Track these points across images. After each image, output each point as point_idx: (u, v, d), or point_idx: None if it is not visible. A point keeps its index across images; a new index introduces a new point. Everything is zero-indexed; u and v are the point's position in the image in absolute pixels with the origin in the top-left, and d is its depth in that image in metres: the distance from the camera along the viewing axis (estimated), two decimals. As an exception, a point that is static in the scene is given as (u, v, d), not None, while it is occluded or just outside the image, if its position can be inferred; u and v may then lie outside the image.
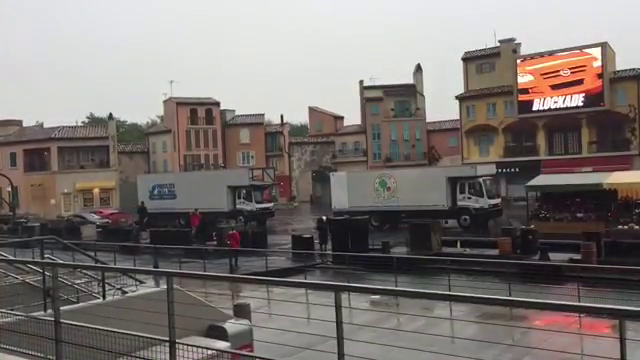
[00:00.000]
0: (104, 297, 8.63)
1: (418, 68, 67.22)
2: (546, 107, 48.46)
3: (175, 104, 65.63)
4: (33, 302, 8.30)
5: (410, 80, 67.20)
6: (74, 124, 69.47)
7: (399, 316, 13.49)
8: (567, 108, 47.37)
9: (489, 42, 57.28)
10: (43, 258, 10.01)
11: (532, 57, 49.80)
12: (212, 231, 31.40)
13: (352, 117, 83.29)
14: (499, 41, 54.95)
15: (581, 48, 47.28)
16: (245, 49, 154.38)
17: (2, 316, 6.48)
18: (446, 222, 33.36)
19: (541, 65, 48.75)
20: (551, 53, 48.62)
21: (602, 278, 17.86)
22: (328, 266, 25.30)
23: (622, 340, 3.25)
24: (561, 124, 48.16)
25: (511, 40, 54.29)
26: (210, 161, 65.78)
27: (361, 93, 68.79)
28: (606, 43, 46.71)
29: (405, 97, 66.31)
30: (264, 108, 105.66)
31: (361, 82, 69.12)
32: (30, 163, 60.98)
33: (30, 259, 12.83)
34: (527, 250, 22.92)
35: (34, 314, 6.80)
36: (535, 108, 48.89)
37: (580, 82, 46.86)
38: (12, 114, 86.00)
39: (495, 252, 23.37)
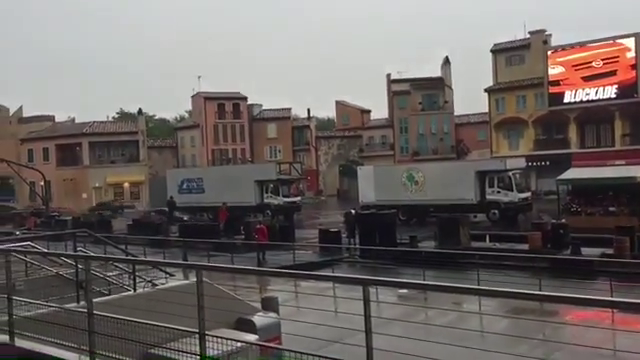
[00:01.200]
0: (135, 289, 8.77)
1: (446, 61, 66.54)
2: (578, 99, 47.51)
3: (203, 99, 66.17)
4: (66, 294, 8.48)
5: (438, 73, 66.58)
6: (105, 119, 70.71)
7: (427, 310, 13.42)
8: (599, 100, 46.36)
9: (518, 34, 56.35)
10: (76, 251, 10.21)
11: (563, 48, 48.84)
12: (240, 225, 31.63)
13: (379, 111, 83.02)
14: (529, 32, 54.05)
15: (614, 39, 46.17)
16: (273, 44, 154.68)
17: (37, 307, 6.63)
18: (475, 216, 33.03)
19: (572, 56, 47.78)
20: (583, 44, 47.60)
21: (635, 273, 17.52)
22: (355, 260, 25.28)
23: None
24: (593, 116, 47.19)
25: (541, 31, 53.32)
26: (238, 155, 66.22)
27: (388, 87, 68.42)
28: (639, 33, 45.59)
29: (433, 90, 65.73)
30: (291, 102, 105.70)
31: (388, 75, 68.74)
32: (62, 158, 62.21)
33: (63, 252, 13.10)
34: (558, 245, 22.56)
35: (67, 306, 6.94)
36: (566, 100, 47.98)
37: (613, 73, 45.79)
38: (45, 110, 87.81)
39: (525, 247, 23.04)
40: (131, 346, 5.38)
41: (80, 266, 8.40)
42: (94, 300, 6.02)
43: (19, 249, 9.64)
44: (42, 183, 53.62)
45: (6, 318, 6.38)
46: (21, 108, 70.89)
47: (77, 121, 68.12)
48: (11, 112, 71.12)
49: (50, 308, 6.68)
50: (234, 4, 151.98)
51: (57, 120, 69.51)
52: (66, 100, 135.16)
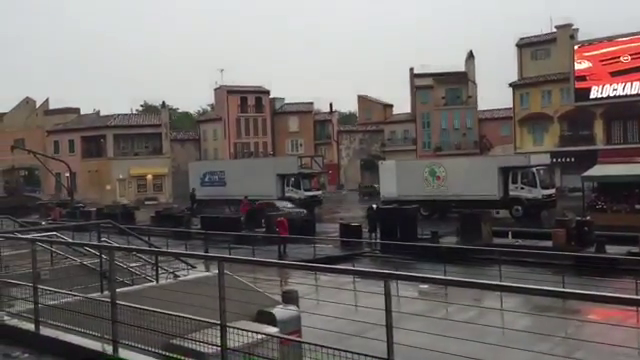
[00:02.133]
0: (157, 280, 8.87)
1: (470, 55, 65.87)
2: (604, 95, 46.68)
3: (226, 92, 66.47)
4: (90, 284, 8.61)
5: (462, 67, 65.93)
6: (129, 112, 71.43)
7: (448, 306, 13.36)
8: (627, 96, 45.49)
9: (544, 28, 55.52)
10: (100, 242, 10.36)
11: (590, 43, 47.99)
12: (261, 218, 31.77)
13: (402, 105, 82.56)
14: (555, 27, 53.16)
15: (643, 33, 45.24)
16: (295, 37, 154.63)
17: (61, 296, 6.74)
18: (497, 212, 32.72)
19: (600, 51, 46.92)
20: (610, 39, 46.71)
21: (662, 272, 17.19)
22: (376, 255, 25.23)
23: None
24: (620, 112, 46.32)
25: (568, 25, 52.44)
26: (259, 149, 66.45)
27: (411, 81, 67.99)
28: (670, 27, 44.58)
29: (456, 85, 65.17)
30: (313, 96, 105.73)
31: (411, 70, 68.29)
32: (87, 150, 63.08)
33: (88, 242, 13.30)
34: (583, 242, 22.22)
35: (91, 295, 7.04)
36: (593, 96, 47.17)
37: (641, 69, 44.90)
38: (70, 102, 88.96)
39: (549, 244, 22.76)
40: (153, 336, 5.45)
41: (104, 256, 8.53)
42: (117, 290, 6.10)
43: (44, 239, 9.81)
44: (67, 174, 54.44)
45: (32, 306, 6.50)
46: (47, 100, 72.02)
47: (102, 114, 68.96)
48: (38, 104, 72.27)
49: (74, 297, 6.79)
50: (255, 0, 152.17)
51: (82, 112, 70.45)
52: (91, 93, 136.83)
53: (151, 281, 9.14)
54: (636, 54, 45.17)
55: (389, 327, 4.04)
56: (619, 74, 45.80)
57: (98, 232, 11.41)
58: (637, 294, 13.34)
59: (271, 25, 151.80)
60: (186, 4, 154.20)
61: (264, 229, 29.85)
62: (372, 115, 72.69)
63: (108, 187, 59.59)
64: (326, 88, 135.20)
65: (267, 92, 68.36)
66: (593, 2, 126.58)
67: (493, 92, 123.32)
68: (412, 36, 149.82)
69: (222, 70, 73.98)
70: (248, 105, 67.15)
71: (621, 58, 45.74)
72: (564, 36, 51.42)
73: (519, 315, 12.46)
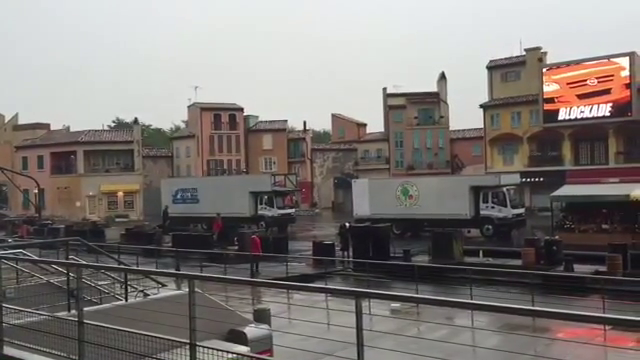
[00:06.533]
0: (126, 299, 8.72)
1: (442, 76, 66.90)
2: (572, 117, 47.80)
3: (199, 109, 66.22)
4: (57, 302, 8.42)
5: (434, 88, 66.91)
6: (100, 128, 70.59)
7: (420, 325, 13.38)
8: (594, 118, 46.65)
9: (514, 51, 56.79)
10: (68, 259, 10.15)
11: (558, 66, 49.21)
12: (234, 236, 31.55)
13: (375, 124, 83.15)
14: (525, 50, 54.43)
15: (608, 57, 46.55)
16: (269, 55, 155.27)
17: (27, 315, 6.58)
18: (469, 231, 33.05)
19: (567, 74, 48.12)
20: (578, 62, 47.98)
21: (628, 291, 17.53)
22: (349, 273, 25.19)
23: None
24: (587, 134, 47.46)
25: (537, 49, 53.71)
26: (233, 166, 66.16)
27: (384, 101, 68.66)
28: (634, 53, 45.95)
29: (429, 105, 66.02)
30: (287, 114, 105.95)
31: (384, 89, 69.01)
32: (57, 166, 62.00)
33: (55, 260, 13.02)
34: (551, 261, 22.55)
35: (58, 314, 6.89)
36: (561, 117, 48.26)
37: (607, 92, 46.13)
38: (40, 118, 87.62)
39: (518, 262, 23.04)
40: (121, 356, 5.34)
41: (71, 274, 8.36)
42: (85, 309, 5.98)
43: (10, 256, 9.58)
44: (36, 191, 53.39)
45: (-4, 326, 6.32)
46: (17, 115, 70.74)
47: (72, 129, 67.99)
48: (6, 119, 70.95)
49: (40, 316, 6.63)
50: (231, 15, 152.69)
51: (52, 128, 69.37)
52: (62, 109, 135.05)
53: (120, 300, 8.98)
54: (602, 77, 46.43)
55: (360, 346, 4.04)
56: (586, 97, 46.98)
57: (66, 250, 11.19)
58: (604, 312, 13.54)
59: (246, 43, 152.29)
60: (158, 21, 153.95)
61: (236, 247, 29.63)
62: (346, 134, 73.10)
63: (78, 204, 58.59)
64: (300, 106, 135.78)
65: (241, 109, 68.31)
66: (563, 25, 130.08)
67: (465, 113, 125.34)
68: (385, 57, 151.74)
69: (196, 87, 74.04)
70: (222, 122, 66.95)
71: (588, 81, 46.96)
72: (533, 59, 52.64)
73: (489, 333, 12.55)
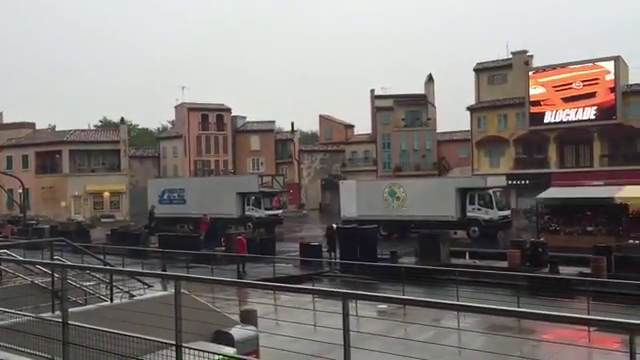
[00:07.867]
0: (112, 300, 8.66)
1: (430, 78, 67.16)
2: (558, 119, 48.23)
3: (186, 109, 65.92)
4: (41, 303, 8.33)
5: (421, 90, 67.16)
6: (86, 128, 70.04)
7: (407, 326, 13.41)
8: (579, 121, 47.11)
9: (501, 54, 57.18)
10: (52, 260, 10.06)
11: (544, 69, 49.64)
12: (221, 237, 31.44)
13: (363, 126, 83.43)
14: (511, 53, 54.85)
15: (594, 61, 47.07)
16: (258, 56, 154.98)
17: (10, 317, 6.51)
18: (455, 233, 33.20)
19: (553, 77, 48.55)
20: (563, 66, 48.43)
21: (612, 293, 17.70)
22: (336, 275, 25.22)
23: (632, 355, 3.20)
24: (573, 137, 47.90)
25: (523, 52, 54.16)
26: (220, 167, 65.94)
27: (372, 102, 68.81)
28: (619, 57, 46.50)
29: (416, 107, 66.23)
30: (275, 115, 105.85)
31: (372, 91, 69.17)
32: (42, 165, 61.41)
33: (39, 260, 12.90)
34: (537, 263, 22.73)
35: (42, 315, 6.82)
36: (547, 120, 48.68)
37: (592, 95, 46.62)
38: (25, 117, 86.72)
39: (504, 264, 23.19)
40: (106, 357, 5.30)
41: (56, 275, 8.28)
42: (69, 310, 5.92)
43: (-6, 257, 9.47)
44: (20, 191, 52.84)
45: (-22, 327, 6.25)
46: (1, 115, 70.03)
47: (58, 129, 67.39)
48: (-9, 118, 70.21)
49: (24, 317, 6.56)
50: (219, 15, 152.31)
51: (37, 128, 68.71)
52: (47, 108, 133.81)
53: (105, 300, 8.91)
54: (587, 81, 46.93)
55: (347, 347, 4.04)
56: (571, 100, 47.46)
57: (51, 250, 11.09)
58: (588, 314, 13.66)
59: (233, 44, 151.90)
60: (146, 21, 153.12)
61: (223, 248, 29.52)
62: (333, 135, 73.15)
63: (63, 204, 58.07)
64: (288, 108, 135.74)
65: (229, 110, 68.10)
66: (549, 28, 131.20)
67: (452, 115, 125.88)
68: (373, 58, 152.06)
69: (183, 87, 73.77)
70: (209, 123, 66.70)
71: (573, 85, 47.43)
72: (519, 62, 53.04)
73: (476, 335, 12.61)
